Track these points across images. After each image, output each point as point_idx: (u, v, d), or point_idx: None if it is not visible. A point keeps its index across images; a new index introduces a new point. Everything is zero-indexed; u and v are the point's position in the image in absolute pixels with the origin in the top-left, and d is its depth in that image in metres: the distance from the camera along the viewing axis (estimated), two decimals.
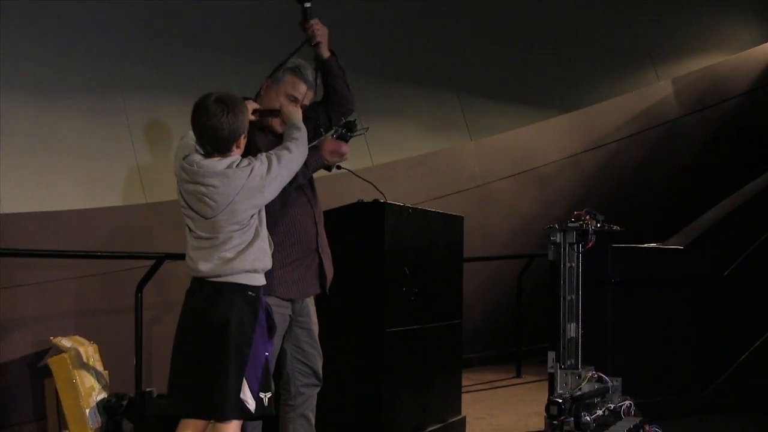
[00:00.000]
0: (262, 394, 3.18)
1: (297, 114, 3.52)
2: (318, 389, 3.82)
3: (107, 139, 6.27)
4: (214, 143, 3.23)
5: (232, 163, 3.23)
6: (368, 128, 3.77)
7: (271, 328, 3.32)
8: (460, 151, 8.89)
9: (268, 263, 3.30)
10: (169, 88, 6.68)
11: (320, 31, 3.74)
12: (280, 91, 3.75)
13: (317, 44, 3.75)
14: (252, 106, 3.51)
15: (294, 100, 3.73)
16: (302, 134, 3.40)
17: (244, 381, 3.16)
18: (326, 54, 3.78)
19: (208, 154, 3.26)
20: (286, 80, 3.75)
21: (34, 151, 5.85)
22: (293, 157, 3.31)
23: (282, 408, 3.77)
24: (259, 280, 3.28)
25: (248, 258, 3.23)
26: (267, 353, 3.23)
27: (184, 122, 6.97)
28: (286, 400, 3.76)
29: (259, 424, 3.63)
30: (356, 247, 4.26)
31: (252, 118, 3.45)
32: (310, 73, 3.77)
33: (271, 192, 3.28)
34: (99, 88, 6.30)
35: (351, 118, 3.77)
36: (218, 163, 3.23)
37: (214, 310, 3.21)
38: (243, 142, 3.29)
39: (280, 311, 3.57)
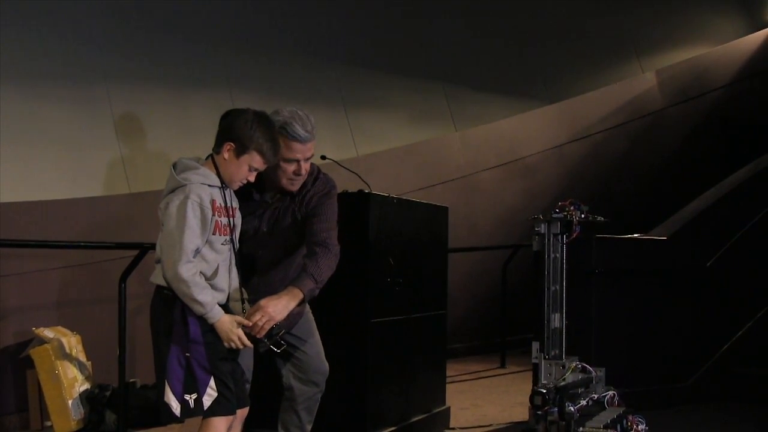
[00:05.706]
0: (187, 396, 3.04)
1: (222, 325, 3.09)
2: (312, 389, 3.78)
3: (91, 128, 6.23)
4: None
5: (177, 165, 3.20)
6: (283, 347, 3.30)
7: (188, 327, 3.08)
8: (445, 142, 8.89)
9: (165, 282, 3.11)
10: (152, 78, 6.65)
11: (267, 319, 3.21)
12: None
13: (280, 330, 3.26)
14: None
15: (293, 160, 3.47)
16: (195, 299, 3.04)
17: (166, 383, 3.06)
18: (299, 299, 3.35)
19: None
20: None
21: (16, 141, 5.80)
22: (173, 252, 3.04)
23: (283, 395, 3.82)
24: None
25: (159, 271, 3.13)
26: (187, 354, 3.05)
27: (167, 112, 6.93)
28: (283, 390, 3.80)
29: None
30: (341, 238, 4.24)
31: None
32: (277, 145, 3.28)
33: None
34: (82, 77, 6.26)
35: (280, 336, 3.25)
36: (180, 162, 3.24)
37: None
38: (226, 149, 3.16)
39: None
